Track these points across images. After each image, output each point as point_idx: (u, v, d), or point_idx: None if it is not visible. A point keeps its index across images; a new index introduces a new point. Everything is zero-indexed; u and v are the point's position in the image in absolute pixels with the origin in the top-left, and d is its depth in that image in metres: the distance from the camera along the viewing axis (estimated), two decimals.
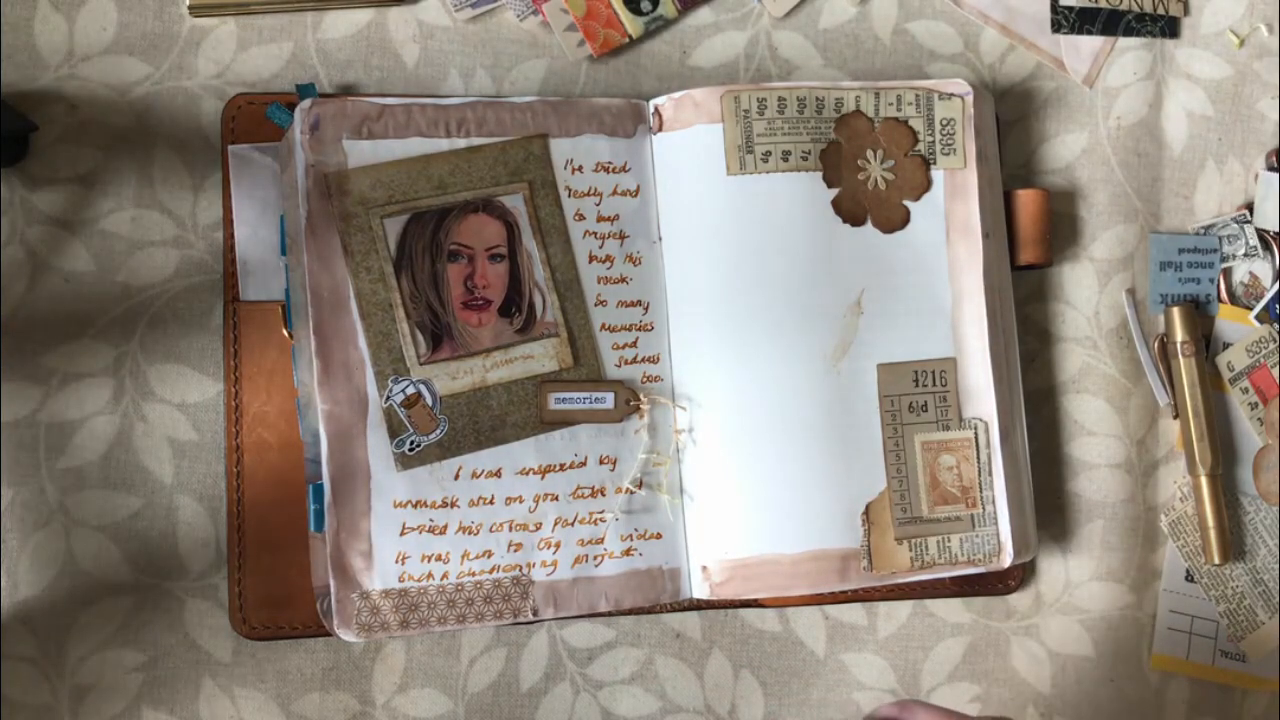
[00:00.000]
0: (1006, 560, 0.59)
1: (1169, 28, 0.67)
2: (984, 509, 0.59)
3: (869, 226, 0.60)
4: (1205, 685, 0.65)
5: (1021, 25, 0.66)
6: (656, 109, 0.59)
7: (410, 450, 0.55)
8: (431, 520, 0.55)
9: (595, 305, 0.58)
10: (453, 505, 0.56)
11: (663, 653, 0.62)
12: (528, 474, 0.57)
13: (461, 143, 0.57)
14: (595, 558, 0.57)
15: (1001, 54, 0.66)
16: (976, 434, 0.59)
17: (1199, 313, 0.66)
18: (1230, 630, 0.65)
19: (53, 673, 0.58)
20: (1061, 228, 0.66)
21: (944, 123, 0.60)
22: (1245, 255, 0.67)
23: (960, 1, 0.66)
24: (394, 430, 0.55)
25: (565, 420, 0.57)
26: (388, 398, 0.55)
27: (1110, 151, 0.66)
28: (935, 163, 0.60)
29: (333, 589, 0.54)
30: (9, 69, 0.59)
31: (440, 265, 0.56)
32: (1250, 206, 0.67)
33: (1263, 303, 0.66)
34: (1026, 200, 0.63)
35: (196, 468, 0.59)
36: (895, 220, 0.60)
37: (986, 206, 0.61)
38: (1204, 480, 0.64)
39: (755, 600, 0.61)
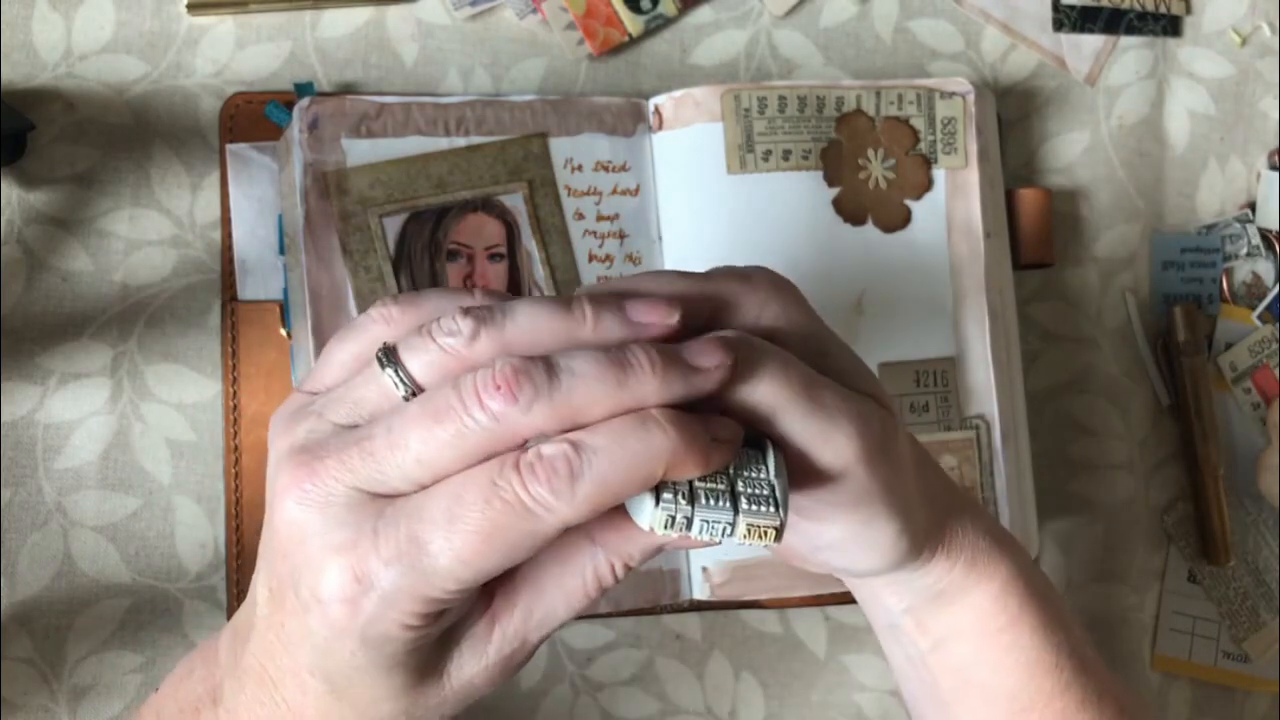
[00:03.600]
0: None
1: (1171, 26, 0.67)
2: (985, 510, 0.59)
3: (870, 226, 0.59)
4: (1207, 686, 0.65)
5: (1023, 24, 0.66)
6: (656, 108, 0.59)
7: None
8: None
9: None
10: None
11: (663, 654, 0.61)
12: None
13: (461, 141, 0.57)
14: None
15: (1003, 53, 0.66)
16: (978, 434, 0.59)
17: (1201, 312, 0.66)
18: (1232, 631, 0.65)
19: (51, 674, 0.57)
20: (1063, 227, 0.65)
21: (945, 122, 0.60)
22: (1248, 255, 0.66)
23: (961, 0, 0.66)
24: None
25: None
26: None
27: (1112, 151, 0.66)
28: (936, 162, 0.60)
29: None
30: (7, 67, 0.59)
31: (439, 264, 0.56)
32: (1253, 206, 0.67)
33: (1265, 302, 0.66)
34: (1028, 199, 0.63)
35: (195, 468, 0.59)
36: (896, 220, 0.60)
37: (988, 206, 0.60)
38: (1206, 481, 0.64)
39: (756, 601, 0.61)
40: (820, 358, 0.40)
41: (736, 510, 0.35)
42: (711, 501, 0.35)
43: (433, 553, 0.33)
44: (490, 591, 0.38)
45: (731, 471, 0.35)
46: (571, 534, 0.37)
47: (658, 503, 0.34)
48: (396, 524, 0.34)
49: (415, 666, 0.37)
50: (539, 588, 0.38)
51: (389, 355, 0.36)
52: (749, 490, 0.35)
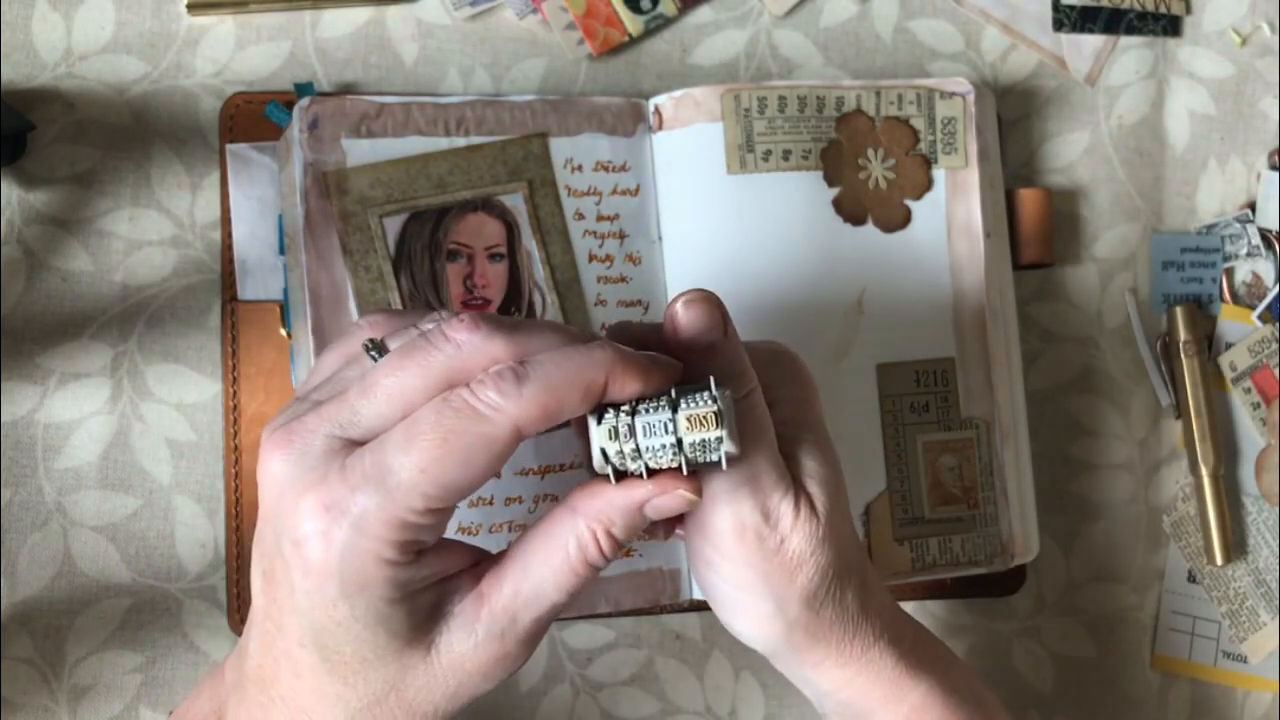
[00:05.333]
0: (1008, 561, 0.59)
1: (1171, 26, 0.67)
2: (985, 510, 0.59)
3: (870, 226, 0.59)
4: (1207, 686, 0.65)
5: (1023, 24, 0.66)
6: (656, 108, 0.59)
7: None
8: None
9: (595, 305, 0.58)
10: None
11: (663, 654, 0.61)
12: (527, 474, 0.56)
13: (461, 141, 0.57)
14: None
15: (1003, 53, 0.66)
16: (978, 434, 0.59)
17: (1201, 312, 0.66)
18: (1232, 631, 0.65)
19: (51, 674, 0.57)
20: (1063, 227, 0.65)
21: (945, 121, 0.60)
22: (1247, 255, 0.66)
23: (961, 0, 0.66)
24: None
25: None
26: None
27: (1112, 150, 0.66)
28: (936, 162, 0.60)
29: None
30: (7, 67, 0.59)
31: (439, 264, 0.56)
32: (1252, 206, 0.67)
33: (1265, 302, 0.66)
34: (1028, 199, 0.63)
35: (195, 468, 0.59)
36: (896, 220, 0.60)
37: (988, 206, 0.60)
38: (1206, 481, 0.64)
39: None
40: (786, 443, 0.44)
41: (675, 411, 0.38)
42: (651, 411, 0.38)
43: (394, 469, 0.36)
44: (480, 573, 0.40)
45: (674, 394, 0.39)
46: (555, 510, 0.40)
47: (600, 421, 0.38)
48: (362, 456, 0.37)
49: (401, 627, 0.38)
50: (525, 564, 0.40)
51: (375, 345, 0.39)
52: (689, 399, 0.39)
